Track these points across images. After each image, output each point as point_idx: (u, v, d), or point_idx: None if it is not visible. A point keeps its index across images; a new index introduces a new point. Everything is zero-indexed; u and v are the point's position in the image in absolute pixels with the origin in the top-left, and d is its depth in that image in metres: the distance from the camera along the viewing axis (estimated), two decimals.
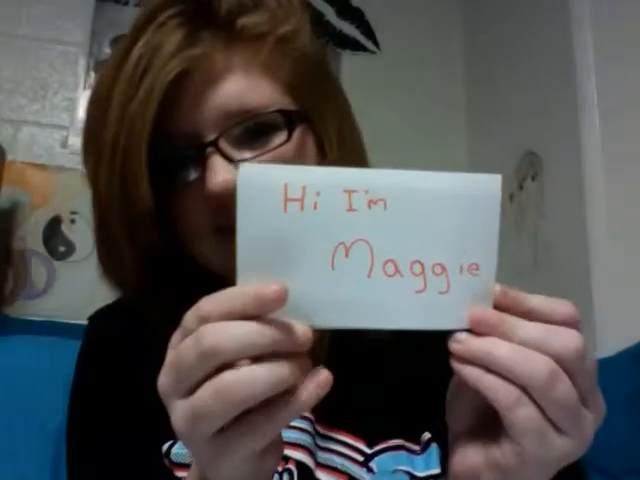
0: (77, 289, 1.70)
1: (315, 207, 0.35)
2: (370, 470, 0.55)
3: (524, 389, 0.35)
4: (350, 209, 0.35)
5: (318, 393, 0.35)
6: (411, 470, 0.55)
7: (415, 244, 0.36)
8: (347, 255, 0.35)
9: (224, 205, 0.54)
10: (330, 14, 2.09)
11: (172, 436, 0.50)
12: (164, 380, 0.37)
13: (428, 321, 0.36)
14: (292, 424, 0.53)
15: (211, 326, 0.34)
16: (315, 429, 0.56)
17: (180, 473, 0.54)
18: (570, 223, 1.53)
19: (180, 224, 0.57)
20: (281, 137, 0.56)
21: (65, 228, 1.79)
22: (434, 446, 0.57)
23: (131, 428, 0.57)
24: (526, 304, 0.37)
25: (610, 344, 1.29)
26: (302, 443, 0.55)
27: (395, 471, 0.55)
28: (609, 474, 1.03)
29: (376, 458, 0.56)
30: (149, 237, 0.56)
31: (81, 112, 1.89)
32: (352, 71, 1.96)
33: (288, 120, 0.57)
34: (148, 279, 0.59)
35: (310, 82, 0.60)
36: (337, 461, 0.55)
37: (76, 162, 1.83)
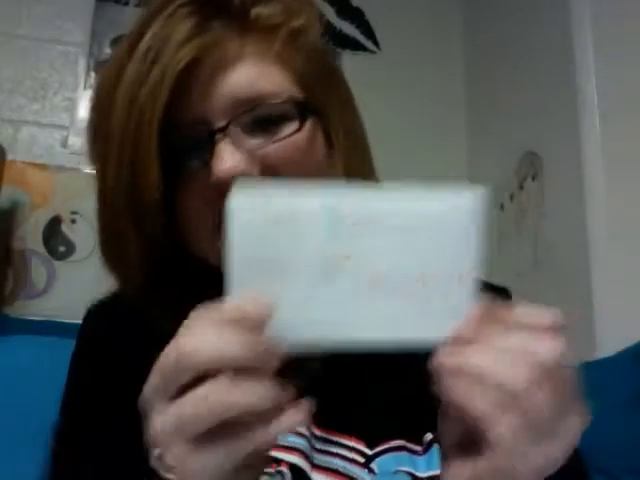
0: (77, 289, 1.70)
1: (301, 227, 0.36)
2: (371, 471, 0.55)
3: (505, 397, 0.35)
4: (336, 229, 0.36)
5: (295, 422, 0.36)
6: (413, 471, 0.55)
7: (399, 259, 0.37)
8: (333, 272, 0.36)
9: (224, 194, 0.54)
10: (330, 14, 2.09)
11: None
12: (149, 382, 0.37)
13: (413, 332, 0.37)
14: None
15: (191, 331, 0.36)
16: (312, 432, 0.56)
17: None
18: (570, 223, 1.53)
19: (183, 219, 0.57)
20: (291, 127, 0.56)
21: (65, 228, 1.79)
22: (436, 447, 0.57)
23: (122, 428, 0.56)
24: (509, 313, 0.37)
25: (610, 344, 1.29)
26: (296, 446, 0.54)
27: (397, 472, 0.55)
28: (609, 474, 1.03)
29: (377, 459, 0.56)
30: (156, 229, 0.55)
31: (81, 112, 1.89)
32: (352, 71, 1.96)
33: (300, 110, 0.56)
34: (152, 275, 0.58)
35: (319, 75, 0.60)
36: (338, 463, 0.55)
37: (76, 162, 1.84)
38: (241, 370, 0.35)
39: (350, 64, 2.01)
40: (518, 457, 0.36)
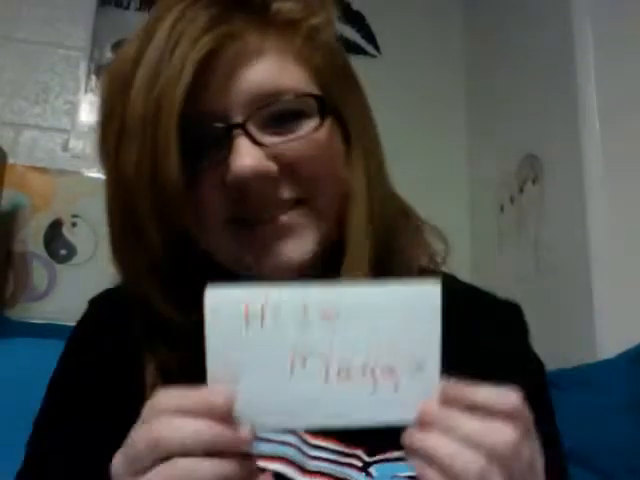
0: (78, 292, 1.69)
1: (273, 322, 0.39)
2: (369, 474, 0.54)
3: None
4: (305, 322, 0.39)
5: None
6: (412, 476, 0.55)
7: (366, 350, 0.40)
8: (304, 363, 0.39)
9: (241, 193, 0.54)
10: None
11: None
12: (118, 458, 0.40)
13: (380, 419, 0.41)
14: (272, 437, 0.53)
15: (162, 419, 0.38)
16: (303, 439, 0.55)
17: None
18: (571, 226, 1.53)
19: (194, 211, 0.55)
20: (310, 124, 0.55)
21: (66, 231, 1.80)
22: None
23: (96, 425, 0.56)
24: (469, 398, 0.40)
25: (610, 346, 1.29)
26: (281, 455, 0.54)
27: (395, 476, 0.54)
28: (608, 474, 1.04)
29: (375, 465, 0.55)
30: (174, 220, 0.54)
31: (82, 116, 1.90)
32: None
33: (320, 107, 0.55)
34: (163, 268, 0.57)
35: (337, 73, 0.60)
36: (333, 468, 0.54)
37: (77, 165, 1.84)
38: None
39: None
40: None
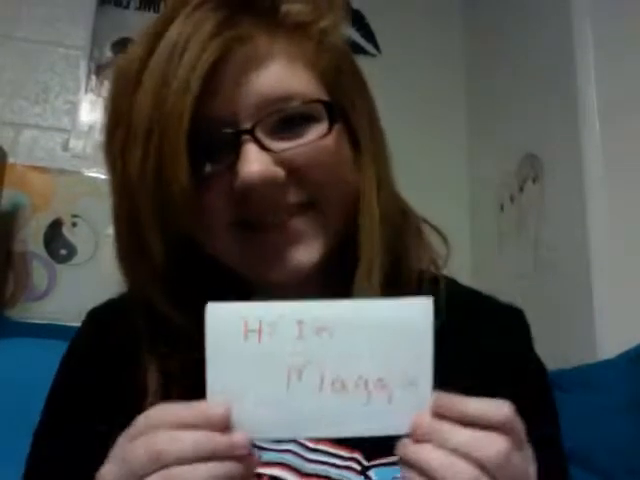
0: (78, 292, 1.70)
1: (270, 337, 0.41)
2: (368, 478, 0.54)
3: None
4: (300, 337, 0.41)
5: None
6: None
7: (359, 364, 0.41)
8: (300, 376, 0.41)
9: (248, 197, 0.53)
10: None
11: None
12: (109, 469, 0.42)
13: (374, 429, 0.42)
14: (271, 446, 0.54)
15: (162, 432, 0.40)
16: (302, 444, 0.55)
17: None
18: (571, 225, 1.53)
19: (200, 215, 0.55)
20: (318, 128, 0.55)
21: (66, 231, 1.80)
22: None
23: (94, 432, 0.55)
24: (460, 410, 0.40)
25: (610, 346, 1.29)
26: (279, 461, 0.54)
27: (394, 478, 0.54)
28: (608, 475, 1.04)
29: (374, 468, 0.55)
30: (179, 224, 0.54)
31: (82, 115, 1.90)
32: None
33: (329, 112, 0.55)
34: (168, 271, 0.57)
35: (346, 76, 0.59)
36: (330, 471, 0.54)
37: (77, 165, 1.84)
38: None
39: None
40: None
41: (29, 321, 1.67)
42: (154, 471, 0.39)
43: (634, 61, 1.41)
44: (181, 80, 0.51)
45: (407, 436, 0.41)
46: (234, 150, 0.53)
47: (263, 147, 0.53)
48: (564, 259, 1.55)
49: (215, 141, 0.54)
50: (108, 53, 1.93)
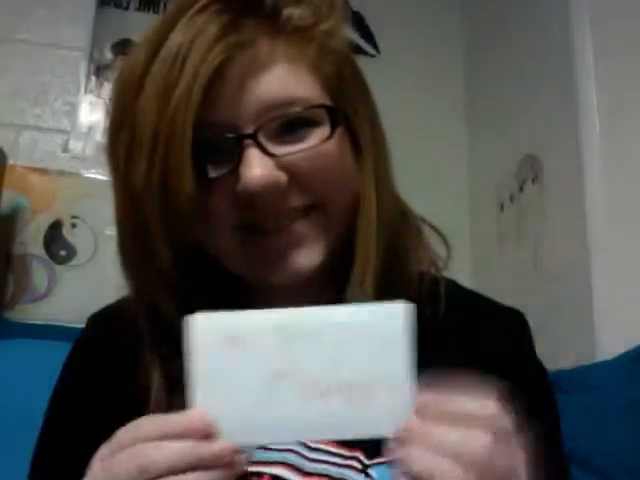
0: (78, 293, 1.70)
1: (250, 346, 0.42)
2: (368, 476, 0.54)
3: None
4: (280, 344, 0.42)
5: None
6: None
7: (340, 369, 0.42)
8: (281, 383, 0.42)
9: (250, 202, 0.54)
10: None
11: None
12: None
13: (358, 432, 0.43)
14: (272, 445, 0.54)
15: (149, 444, 0.40)
16: (303, 443, 0.55)
17: None
18: (570, 226, 1.53)
19: (203, 218, 0.55)
20: (320, 133, 0.55)
21: (66, 232, 1.80)
22: None
23: (101, 434, 0.57)
24: (445, 409, 0.41)
25: (610, 347, 1.29)
26: (281, 460, 0.54)
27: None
28: (608, 476, 1.03)
29: (374, 467, 0.55)
30: (185, 228, 0.54)
31: (82, 117, 1.89)
32: None
33: (331, 116, 0.55)
34: (173, 276, 0.57)
35: (347, 80, 0.59)
36: (331, 470, 0.55)
37: (77, 166, 1.84)
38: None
39: None
40: None
41: (29, 322, 1.67)
42: None
43: (634, 61, 1.41)
44: (183, 88, 0.51)
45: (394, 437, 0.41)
46: (237, 155, 0.53)
47: (265, 152, 0.53)
48: (564, 259, 1.55)
49: (218, 146, 0.54)
50: (108, 54, 1.93)
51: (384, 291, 0.57)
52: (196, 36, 0.52)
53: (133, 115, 0.53)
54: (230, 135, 0.53)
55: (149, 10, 1.98)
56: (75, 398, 0.63)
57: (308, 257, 0.57)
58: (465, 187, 2.07)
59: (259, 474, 0.53)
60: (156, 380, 0.57)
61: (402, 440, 0.41)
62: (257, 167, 0.52)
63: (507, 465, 0.41)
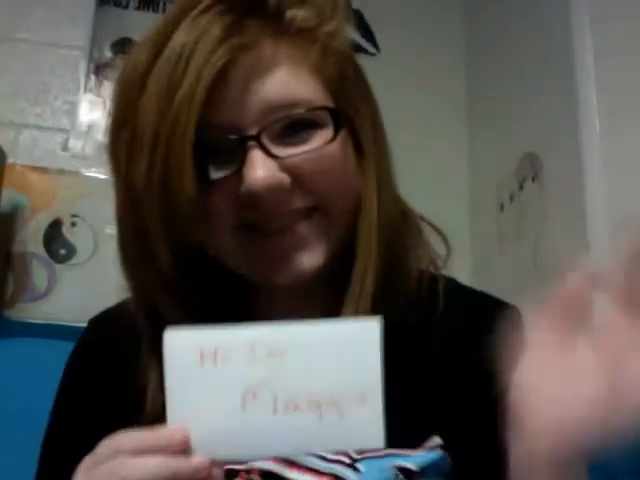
0: (78, 292, 1.70)
1: (224, 361, 0.43)
2: (356, 470, 0.55)
3: None
4: (254, 360, 0.43)
5: None
6: (404, 464, 0.55)
7: (311, 384, 0.43)
8: (254, 398, 0.43)
9: (253, 203, 0.54)
10: None
11: None
12: None
13: (328, 446, 0.45)
14: None
15: (126, 458, 0.41)
16: None
17: None
18: (570, 224, 1.53)
19: (203, 218, 0.55)
20: (324, 135, 0.55)
21: (66, 231, 1.79)
22: (440, 453, 0.56)
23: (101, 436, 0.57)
24: None
25: None
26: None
27: (384, 469, 0.55)
28: (610, 477, 1.03)
29: (362, 461, 0.55)
30: (185, 229, 0.54)
31: (82, 115, 1.89)
32: None
33: (334, 118, 0.55)
34: (175, 277, 0.57)
35: (350, 81, 0.60)
36: (319, 464, 0.55)
37: (77, 165, 1.84)
38: None
39: None
40: None
41: (29, 321, 1.67)
42: None
43: (634, 61, 1.41)
44: (187, 89, 0.51)
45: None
46: (240, 156, 0.53)
47: (269, 153, 0.53)
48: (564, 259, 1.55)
49: (220, 147, 0.54)
50: (107, 53, 1.93)
51: (384, 289, 0.57)
52: (199, 37, 0.52)
53: (135, 114, 0.53)
54: (233, 136, 0.53)
55: (149, 9, 1.98)
56: (76, 401, 0.63)
57: (309, 259, 0.57)
58: (465, 187, 2.07)
59: (247, 471, 0.53)
60: (153, 380, 0.57)
61: None
62: (260, 169, 0.53)
63: None
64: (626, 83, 1.43)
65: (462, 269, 0.68)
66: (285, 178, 0.54)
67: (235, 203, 0.54)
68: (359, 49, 2.10)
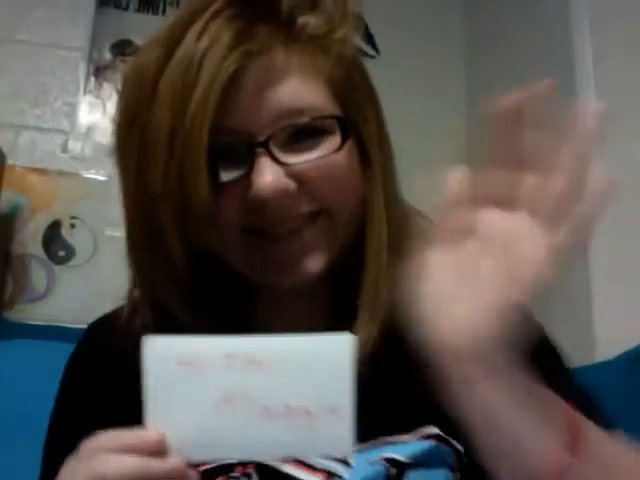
0: (77, 293, 1.70)
1: (201, 369, 0.44)
2: (347, 464, 0.55)
3: None
4: (230, 369, 0.44)
5: None
6: (393, 455, 0.55)
7: (284, 393, 0.45)
8: (229, 405, 0.44)
9: (260, 207, 0.55)
10: None
11: None
12: None
13: (299, 452, 0.48)
14: None
15: (105, 457, 0.43)
16: None
17: None
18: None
19: (211, 220, 0.56)
20: (331, 142, 0.56)
21: (65, 232, 1.80)
22: (433, 443, 0.56)
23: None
24: None
25: (610, 347, 1.29)
26: None
27: (374, 462, 0.55)
28: None
29: (354, 454, 0.55)
30: (198, 231, 0.55)
31: (81, 117, 1.90)
32: None
33: (342, 127, 0.56)
34: (185, 277, 0.58)
35: (358, 88, 0.60)
36: (314, 459, 0.56)
37: (76, 167, 1.84)
38: None
39: None
40: None
41: (28, 322, 1.67)
42: None
43: (634, 62, 1.41)
44: (200, 94, 0.52)
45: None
46: (248, 162, 0.54)
47: (276, 160, 0.54)
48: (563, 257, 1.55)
49: (230, 151, 0.55)
50: (107, 55, 1.93)
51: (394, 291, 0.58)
52: (211, 43, 0.53)
53: (145, 115, 0.54)
54: (243, 143, 0.54)
55: (148, 11, 1.98)
56: (76, 402, 0.64)
57: (314, 262, 0.58)
58: None
59: (242, 463, 0.54)
60: None
61: None
62: (268, 175, 0.54)
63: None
64: (626, 83, 1.43)
65: None
66: (291, 184, 0.55)
67: (242, 206, 0.55)
68: (359, 52, 2.10)
